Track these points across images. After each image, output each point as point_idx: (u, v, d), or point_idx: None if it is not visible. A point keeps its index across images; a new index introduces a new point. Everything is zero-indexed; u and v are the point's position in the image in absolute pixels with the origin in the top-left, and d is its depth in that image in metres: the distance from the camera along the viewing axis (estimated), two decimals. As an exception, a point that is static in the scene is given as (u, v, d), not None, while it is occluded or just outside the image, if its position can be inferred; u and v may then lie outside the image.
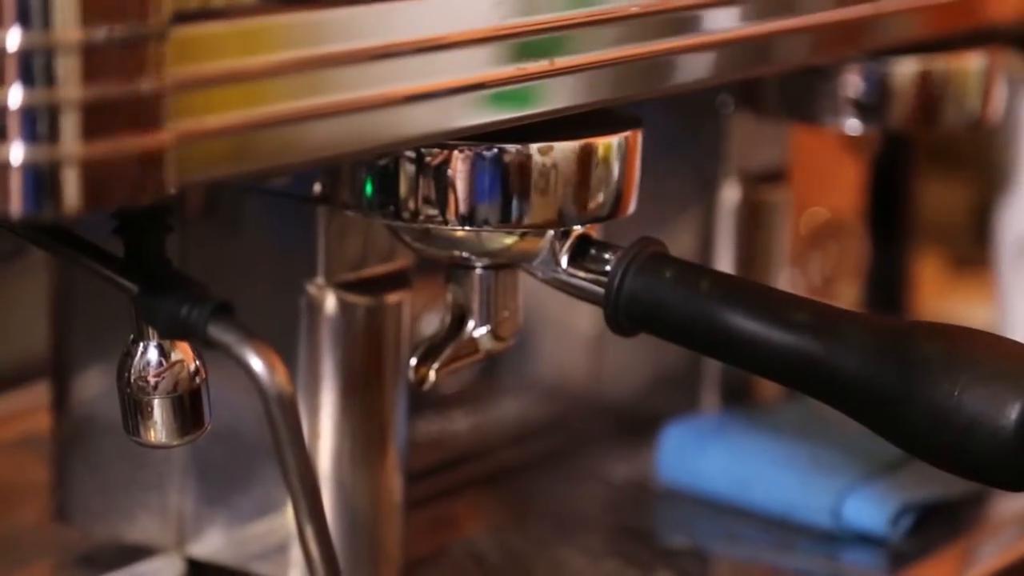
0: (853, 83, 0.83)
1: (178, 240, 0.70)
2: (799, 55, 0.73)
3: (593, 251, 0.66)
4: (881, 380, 0.61)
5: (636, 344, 0.74)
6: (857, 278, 1.00)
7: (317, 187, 0.69)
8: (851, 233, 0.99)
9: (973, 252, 1.13)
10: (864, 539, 0.78)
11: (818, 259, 0.96)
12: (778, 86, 0.85)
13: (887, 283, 1.06)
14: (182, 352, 0.61)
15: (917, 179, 1.09)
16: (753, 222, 0.88)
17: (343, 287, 0.70)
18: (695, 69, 0.67)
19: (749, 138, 0.88)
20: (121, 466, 0.73)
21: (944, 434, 0.60)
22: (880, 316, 0.65)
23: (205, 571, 0.73)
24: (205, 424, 0.62)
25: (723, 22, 0.67)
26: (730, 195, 0.88)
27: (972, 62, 0.85)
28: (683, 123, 0.86)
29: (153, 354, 0.61)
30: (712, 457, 0.82)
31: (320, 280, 0.70)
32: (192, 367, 0.61)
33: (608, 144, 0.66)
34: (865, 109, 0.83)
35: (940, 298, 1.10)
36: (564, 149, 0.64)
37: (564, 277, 0.66)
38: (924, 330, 0.61)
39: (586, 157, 0.65)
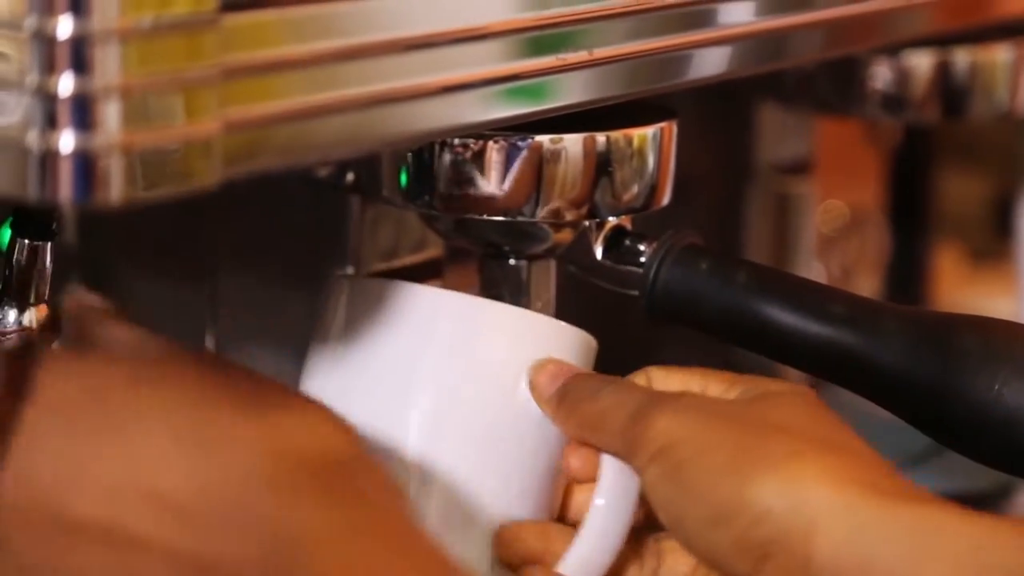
0: (881, 75, 0.83)
1: (206, 226, 0.72)
2: (818, 49, 0.73)
3: (628, 242, 0.66)
4: (920, 373, 0.61)
5: (659, 336, 0.75)
6: (877, 270, 1.00)
7: (350, 176, 0.68)
8: (871, 225, 0.99)
9: (992, 245, 1.13)
10: None
11: (838, 251, 0.96)
12: (804, 78, 0.85)
13: (906, 275, 1.06)
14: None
15: (937, 172, 1.09)
16: (779, 214, 0.88)
17: (374, 277, 0.70)
18: (716, 62, 0.67)
19: (775, 130, 0.88)
20: None
21: (983, 427, 0.60)
22: (918, 308, 0.65)
23: None
24: None
25: (743, 15, 0.67)
26: (757, 187, 0.88)
27: (1000, 54, 0.85)
28: (710, 115, 0.86)
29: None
30: None
31: (351, 270, 0.70)
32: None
33: (643, 135, 0.66)
34: (892, 101, 0.83)
35: (959, 290, 1.11)
36: (599, 140, 0.64)
37: (599, 268, 0.66)
38: (963, 322, 0.61)
39: (621, 148, 0.65)
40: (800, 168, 0.89)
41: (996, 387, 0.59)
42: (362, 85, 0.54)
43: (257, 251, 0.72)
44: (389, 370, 0.62)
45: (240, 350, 0.72)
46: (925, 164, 1.07)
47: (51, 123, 0.47)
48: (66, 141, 0.47)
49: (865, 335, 0.61)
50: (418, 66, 0.56)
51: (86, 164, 0.48)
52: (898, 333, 0.61)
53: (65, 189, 0.48)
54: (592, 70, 0.61)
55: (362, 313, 0.62)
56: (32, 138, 0.47)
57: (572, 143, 0.64)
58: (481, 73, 0.58)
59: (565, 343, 0.63)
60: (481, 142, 0.63)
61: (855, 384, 0.62)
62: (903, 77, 0.83)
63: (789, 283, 0.64)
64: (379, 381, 0.62)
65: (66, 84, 0.47)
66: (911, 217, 1.06)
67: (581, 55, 0.61)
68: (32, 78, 0.47)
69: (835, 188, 0.95)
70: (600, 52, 0.61)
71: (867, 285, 0.98)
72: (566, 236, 0.66)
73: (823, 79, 0.84)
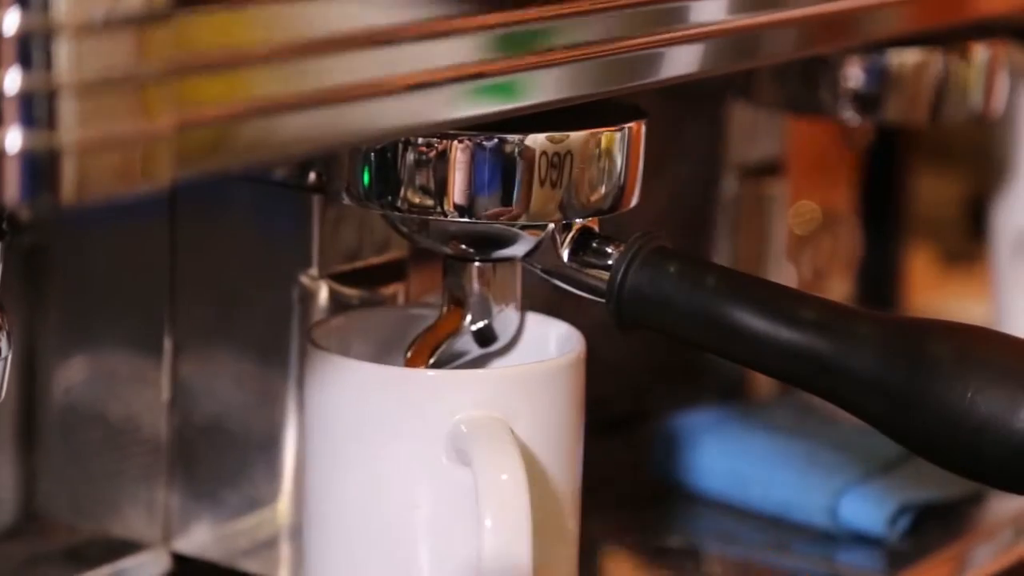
0: (853, 74, 0.82)
1: (168, 228, 0.70)
2: (790, 48, 0.72)
3: (595, 244, 0.65)
4: (891, 380, 0.59)
5: (629, 339, 0.74)
6: (849, 272, 0.99)
7: (312, 176, 0.67)
8: (843, 226, 0.98)
9: (965, 247, 1.12)
10: (861, 539, 0.78)
11: (810, 252, 0.95)
12: (776, 78, 0.84)
13: (878, 277, 1.06)
14: None
15: (910, 173, 1.08)
16: (750, 215, 0.87)
17: (337, 278, 0.69)
18: (688, 61, 0.66)
19: (746, 130, 0.87)
20: (105, 458, 0.72)
21: (955, 436, 0.59)
22: (890, 314, 0.64)
23: (192, 567, 0.72)
24: None
25: (713, 14, 0.66)
26: (727, 188, 0.87)
27: (975, 55, 0.84)
28: (680, 115, 0.85)
29: None
30: (707, 454, 0.81)
31: (313, 271, 0.69)
32: None
33: (611, 136, 0.64)
34: (865, 101, 0.82)
35: (931, 293, 1.10)
36: (566, 140, 0.63)
37: (565, 271, 0.65)
38: (936, 329, 0.60)
39: (589, 148, 0.64)
40: (771, 169, 0.88)
41: (969, 395, 0.58)
42: (323, 82, 0.53)
43: (217, 252, 0.70)
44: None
45: (199, 352, 0.71)
46: (898, 165, 1.07)
47: (-3, 121, 0.46)
48: (12, 139, 0.46)
49: (836, 341, 0.60)
50: (382, 62, 0.54)
51: (33, 163, 0.46)
52: (870, 339, 0.60)
53: (11, 189, 0.46)
54: (561, 68, 0.60)
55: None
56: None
57: (539, 143, 0.62)
58: (447, 70, 0.56)
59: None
60: (445, 142, 0.62)
61: (826, 391, 0.61)
62: (875, 78, 0.82)
63: (760, 288, 0.63)
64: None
65: (12, 80, 0.46)
66: (883, 218, 1.05)
67: (550, 53, 0.59)
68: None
69: (807, 189, 0.94)
70: (568, 50, 0.60)
71: (839, 287, 0.98)
72: (532, 238, 0.65)
73: (795, 79, 0.83)
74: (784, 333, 0.61)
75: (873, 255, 1.02)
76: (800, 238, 0.94)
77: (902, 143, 1.06)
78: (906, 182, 1.08)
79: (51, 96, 0.46)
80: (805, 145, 0.93)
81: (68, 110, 0.46)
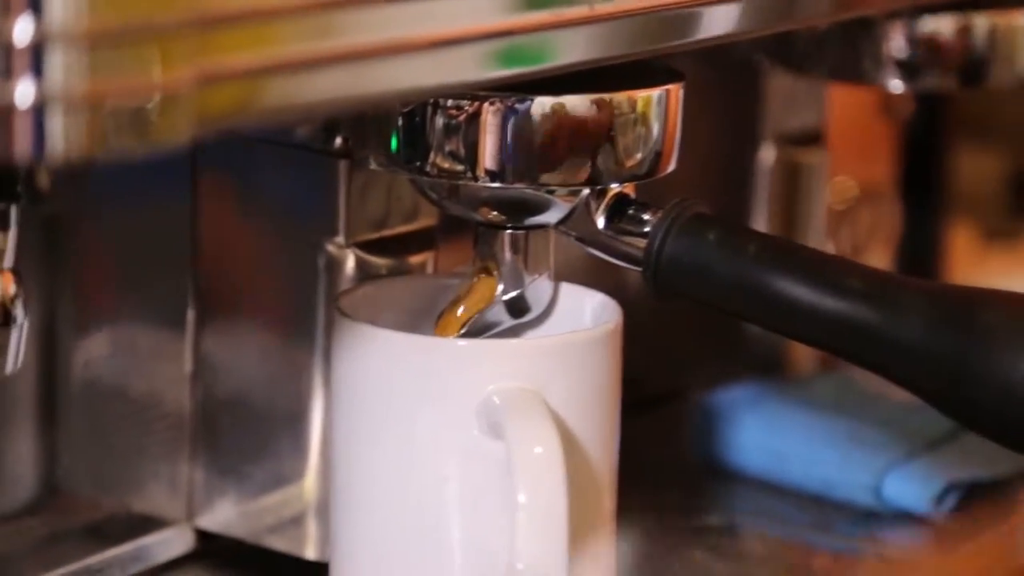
0: (896, 40, 0.81)
1: (190, 196, 0.69)
2: (832, 10, 0.71)
3: (631, 211, 0.63)
4: (940, 351, 0.58)
5: (663, 313, 0.73)
6: (888, 248, 0.98)
7: (338, 140, 0.66)
8: (883, 201, 0.97)
9: (1007, 224, 1.11)
10: (906, 518, 0.76)
11: (847, 228, 0.94)
12: (817, 45, 0.82)
13: (918, 254, 1.04)
14: None
15: (950, 148, 1.07)
16: (788, 186, 0.86)
17: (364, 247, 0.67)
18: (723, 22, 0.64)
19: (786, 98, 0.86)
20: (128, 433, 0.71)
21: (1007, 408, 0.57)
22: (940, 283, 0.62)
23: (216, 544, 0.71)
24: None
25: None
26: (766, 157, 0.85)
27: (1021, 19, 0.82)
28: (716, 82, 0.83)
29: None
30: (746, 431, 0.80)
31: (340, 239, 0.67)
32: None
33: (648, 97, 0.63)
34: (909, 67, 0.81)
35: (972, 271, 1.09)
36: (602, 102, 0.61)
37: (600, 238, 0.63)
38: (987, 297, 0.58)
39: (625, 111, 0.62)
40: (811, 138, 0.87)
41: (1021, 365, 0.56)
42: (349, 38, 0.51)
43: (241, 219, 0.69)
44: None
45: (223, 323, 0.69)
46: (939, 139, 1.05)
47: (7, 73, 0.44)
48: (23, 92, 0.44)
49: (883, 311, 0.59)
50: (409, 19, 0.53)
51: (44, 117, 0.44)
52: (918, 309, 0.58)
53: (22, 144, 0.45)
54: (594, 27, 0.59)
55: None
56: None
57: (573, 105, 0.61)
58: (477, 28, 0.55)
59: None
60: (476, 103, 0.60)
61: (872, 362, 0.60)
62: (918, 44, 0.80)
63: (803, 255, 0.61)
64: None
65: (23, 30, 0.44)
66: (924, 194, 1.04)
67: (582, 10, 0.58)
68: (-13, 23, 0.44)
69: (846, 162, 0.93)
70: (602, 8, 0.58)
71: (877, 264, 0.96)
72: (566, 204, 0.63)
73: (837, 46, 0.82)
74: (829, 303, 0.59)
75: (913, 231, 1.01)
76: (838, 213, 0.93)
77: (943, 117, 1.05)
78: (947, 157, 1.07)
79: (64, 47, 0.44)
80: (845, 118, 0.92)
81: (81, 61, 0.45)
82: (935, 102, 1.00)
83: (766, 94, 0.85)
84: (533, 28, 0.57)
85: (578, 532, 0.59)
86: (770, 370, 0.86)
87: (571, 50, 0.58)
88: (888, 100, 0.95)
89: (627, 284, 0.78)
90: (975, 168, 1.11)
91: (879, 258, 0.96)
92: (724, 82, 0.84)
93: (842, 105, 0.91)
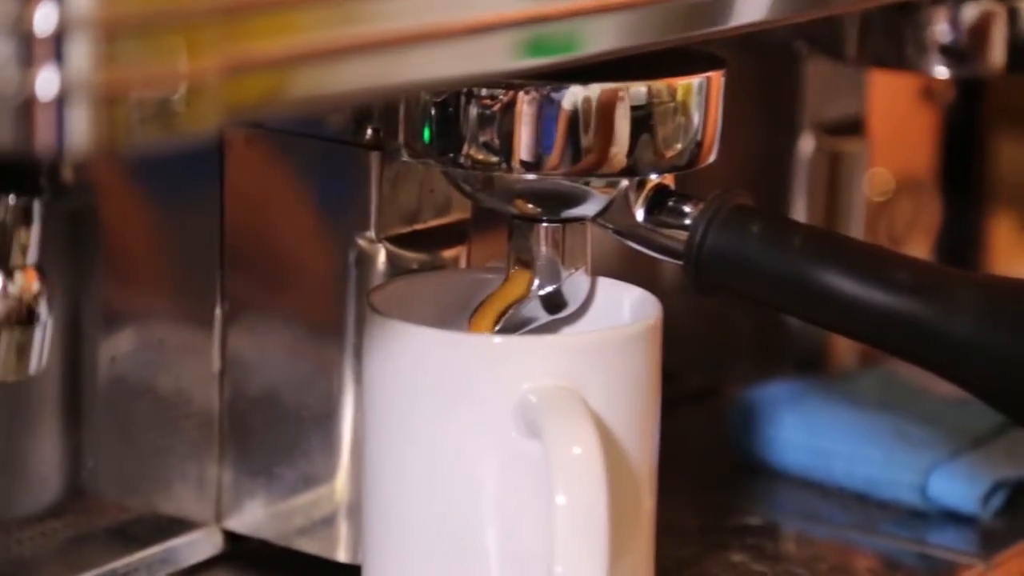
0: (940, 25, 0.79)
1: (218, 189, 0.68)
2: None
3: (671, 203, 0.62)
4: (993, 345, 0.57)
5: (700, 307, 0.71)
6: (927, 241, 0.97)
7: (369, 132, 0.65)
8: (922, 192, 0.96)
9: (1050, 215, 1.10)
10: (952, 518, 0.75)
11: (886, 220, 0.94)
12: (859, 32, 0.81)
13: (957, 246, 1.03)
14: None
15: (991, 137, 1.06)
16: (829, 176, 0.85)
17: (395, 241, 0.66)
18: (760, 7, 0.63)
19: (826, 86, 0.84)
20: (155, 433, 0.70)
21: (1063, 404, 0.55)
22: (991, 275, 0.61)
23: (245, 546, 0.70)
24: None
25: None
26: (805, 147, 0.84)
27: (1070, 3, 0.80)
28: (755, 69, 0.82)
29: None
30: (787, 428, 0.79)
31: (371, 233, 0.66)
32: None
33: (688, 85, 0.61)
34: (953, 53, 0.79)
35: (1013, 263, 1.07)
36: (641, 90, 0.60)
37: (639, 231, 0.62)
38: (1042, 290, 0.57)
39: (665, 99, 0.61)
40: (851, 127, 0.86)
41: (1078, 360, 0.55)
42: (380, 25, 0.50)
43: (270, 213, 0.68)
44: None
45: (252, 320, 0.68)
46: (979, 129, 1.04)
47: (28, 62, 0.43)
48: (44, 83, 0.43)
49: (934, 304, 0.57)
50: (441, 5, 0.51)
51: (67, 109, 0.43)
52: (970, 302, 0.57)
53: (45, 137, 0.43)
54: (629, 13, 0.57)
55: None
56: (6, 79, 0.43)
57: (612, 94, 0.59)
58: (505, 15, 0.53)
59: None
60: (511, 92, 0.59)
61: (922, 357, 0.58)
62: (964, 28, 0.79)
63: (850, 247, 0.60)
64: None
65: (45, 18, 0.42)
66: (964, 185, 1.03)
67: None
68: (7, 11, 0.42)
69: (886, 152, 0.92)
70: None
71: (916, 255, 0.95)
72: (604, 196, 0.62)
73: (879, 32, 0.80)
74: (878, 296, 0.58)
75: (952, 223, 1.00)
76: (877, 204, 0.92)
77: (983, 105, 1.03)
78: (987, 146, 1.05)
79: (87, 35, 0.43)
80: (884, 106, 0.91)
81: (104, 50, 0.43)
82: (975, 90, 0.99)
83: (805, 81, 0.84)
84: (563, 15, 0.55)
85: (617, 534, 0.58)
86: (810, 365, 0.85)
87: (601, 38, 0.57)
88: (928, 88, 0.93)
89: (661, 277, 0.77)
90: (1016, 157, 1.10)
91: (918, 250, 0.95)
92: (761, 69, 0.83)
93: (881, 93, 0.90)
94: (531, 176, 0.60)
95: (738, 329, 0.84)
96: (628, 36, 0.57)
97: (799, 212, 0.85)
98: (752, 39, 0.66)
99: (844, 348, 0.85)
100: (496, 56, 0.54)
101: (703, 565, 0.72)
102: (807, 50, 0.83)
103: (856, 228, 0.87)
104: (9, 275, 0.56)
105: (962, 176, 1.03)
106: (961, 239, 1.03)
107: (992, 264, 1.05)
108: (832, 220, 0.86)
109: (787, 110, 0.84)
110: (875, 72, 0.87)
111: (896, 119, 0.94)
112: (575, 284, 0.64)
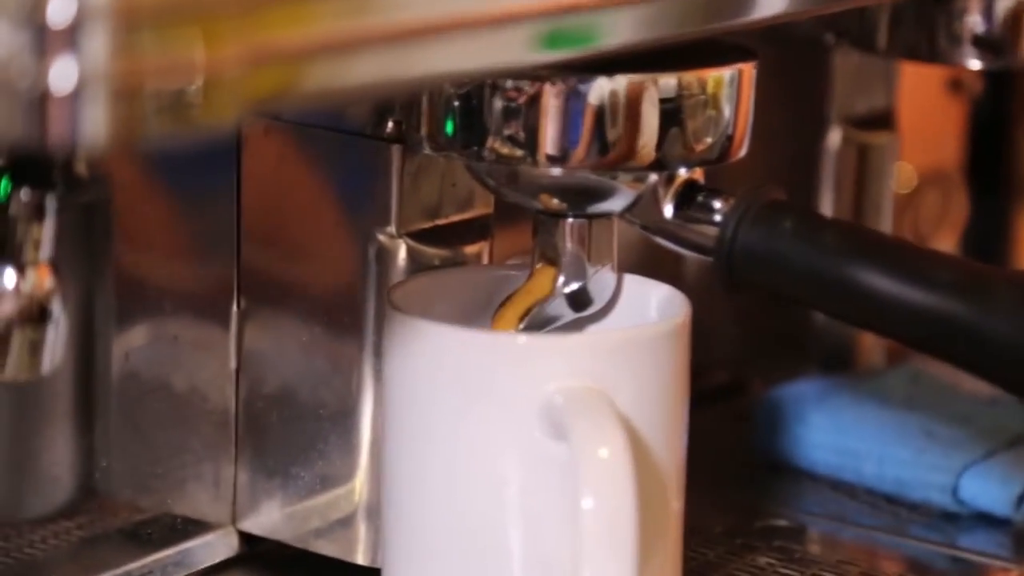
0: (974, 16, 0.78)
1: (234, 183, 0.67)
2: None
3: (701, 198, 0.61)
4: None
5: (726, 303, 0.71)
6: (953, 235, 0.96)
7: (390, 125, 0.64)
8: (949, 186, 0.95)
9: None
10: (984, 520, 0.74)
11: (911, 214, 0.93)
12: (890, 23, 0.80)
13: (985, 241, 1.02)
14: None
15: (1019, 130, 1.05)
16: (858, 169, 0.84)
17: (416, 236, 0.65)
18: (782, 0, 0.61)
19: (854, 78, 0.84)
20: (169, 432, 0.70)
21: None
22: None
23: (261, 548, 0.69)
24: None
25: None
26: (833, 140, 0.83)
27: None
28: (782, 61, 0.81)
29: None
30: (815, 428, 0.78)
31: (391, 229, 0.65)
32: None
33: (719, 78, 0.60)
34: (988, 44, 0.78)
35: (1041, 259, 1.06)
36: (670, 82, 0.59)
37: (668, 227, 0.61)
38: (1085, 289, 0.55)
39: (694, 92, 0.59)
40: (880, 120, 0.85)
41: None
42: (398, 14, 0.49)
43: (287, 208, 0.67)
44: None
45: (268, 317, 0.67)
46: (1007, 121, 1.03)
47: (42, 53, 0.42)
48: (58, 75, 0.42)
49: (973, 303, 0.56)
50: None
51: (81, 101, 0.42)
52: (1010, 301, 0.57)
53: (58, 130, 0.42)
54: (656, 4, 0.56)
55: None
56: (20, 72, 0.42)
57: (640, 86, 0.58)
58: (524, 6, 0.52)
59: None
60: (537, 84, 0.58)
61: (961, 358, 0.58)
62: (997, 18, 0.78)
63: (885, 245, 0.59)
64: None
65: (59, 9, 0.41)
66: (991, 178, 1.02)
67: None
68: (21, 1, 0.41)
69: (911, 144, 0.92)
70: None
71: (944, 250, 0.94)
72: (632, 191, 0.61)
73: (910, 24, 0.79)
74: (915, 295, 0.57)
75: (979, 216, 0.99)
76: (902, 197, 0.91)
77: (1012, 99, 1.03)
78: (1016, 140, 1.04)
79: (101, 26, 0.42)
80: (911, 99, 0.90)
81: (119, 41, 0.42)
82: (1004, 82, 0.98)
83: (834, 74, 0.83)
84: (582, 7, 0.54)
85: (645, 538, 0.56)
86: (837, 363, 0.84)
87: (620, 31, 0.56)
88: (956, 80, 0.92)
89: (686, 273, 0.76)
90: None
91: (945, 245, 0.94)
92: (789, 61, 0.82)
93: (908, 86, 0.89)
94: (557, 170, 0.59)
95: (764, 327, 0.83)
96: (648, 29, 0.56)
97: (826, 206, 0.84)
98: (779, 30, 0.65)
99: (871, 346, 0.84)
100: (514, 49, 0.53)
101: (729, 568, 0.71)
102: (835, 42, 0.82)
103: (884, 222, 0.86)
104: (21, 272, 0.55)
105: (989, 169, 1.02)
106: (988, 232, 1.03)
107: (1020, 258, 1.04)
108: (860, 214, 0.85)
109: (815, 102, 0.83)
110: (904, 64, 0.86)
111: (923, 112, 0.93)
112: (601, 281, 0.63)
